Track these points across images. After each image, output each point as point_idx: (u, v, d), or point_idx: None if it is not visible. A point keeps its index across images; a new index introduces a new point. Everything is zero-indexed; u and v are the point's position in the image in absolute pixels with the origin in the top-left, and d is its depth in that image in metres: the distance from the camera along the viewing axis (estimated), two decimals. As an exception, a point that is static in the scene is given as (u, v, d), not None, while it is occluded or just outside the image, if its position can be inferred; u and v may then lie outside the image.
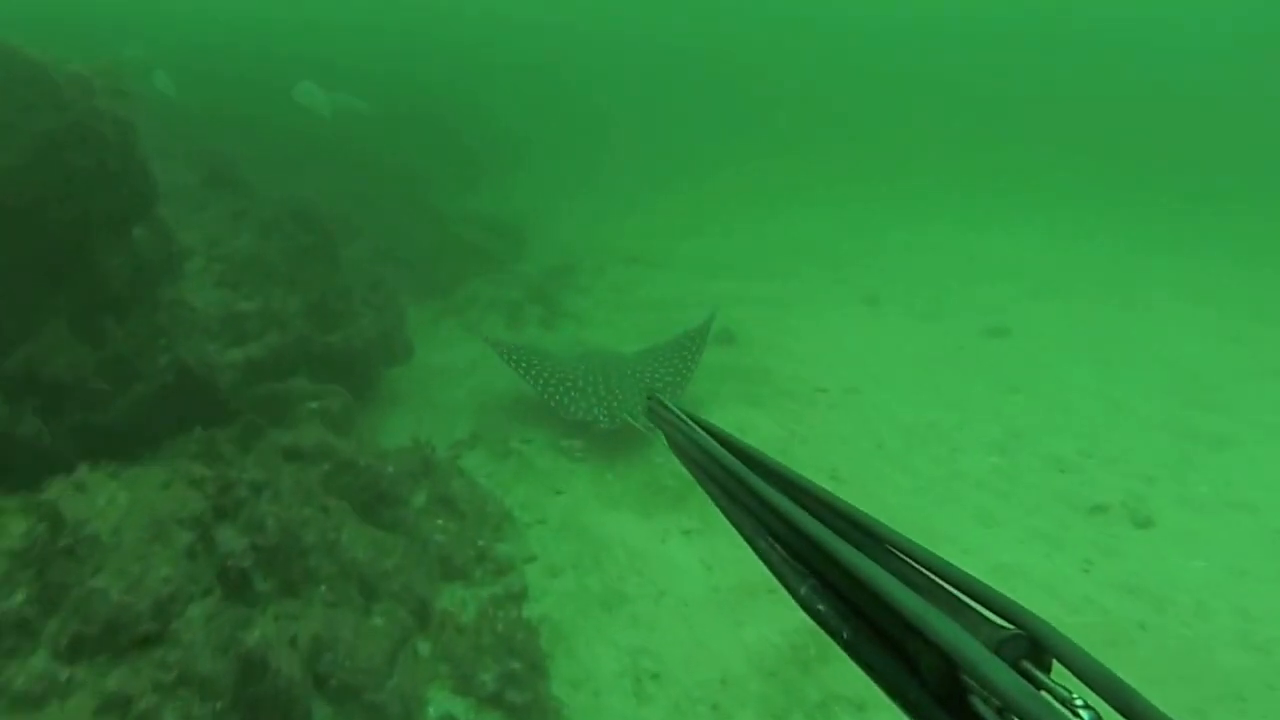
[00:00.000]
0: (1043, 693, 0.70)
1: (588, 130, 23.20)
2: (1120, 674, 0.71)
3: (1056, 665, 0.77)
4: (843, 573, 0.92)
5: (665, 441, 1.51)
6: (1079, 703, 0.69)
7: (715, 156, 21.73)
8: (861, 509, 1.03)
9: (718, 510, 1.20)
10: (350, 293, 7.23)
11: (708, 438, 1.32)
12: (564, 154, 20.97)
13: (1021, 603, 0.81)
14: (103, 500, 3.57)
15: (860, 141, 22.56)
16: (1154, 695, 0.69)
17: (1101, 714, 0.69)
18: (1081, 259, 13.52)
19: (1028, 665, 0.76)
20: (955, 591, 0.88)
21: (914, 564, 0.94)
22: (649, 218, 16.50)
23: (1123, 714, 0.70)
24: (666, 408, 1.56)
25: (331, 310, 7.01)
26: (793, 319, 10.74)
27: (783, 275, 13.00)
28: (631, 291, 11.64)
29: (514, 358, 7.91)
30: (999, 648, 0.77)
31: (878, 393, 8.49)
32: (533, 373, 7.85)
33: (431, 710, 4.31)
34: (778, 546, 1.07)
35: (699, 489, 1.31)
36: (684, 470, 1.41)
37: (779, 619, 5.13)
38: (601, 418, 7.48)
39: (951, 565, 0.90)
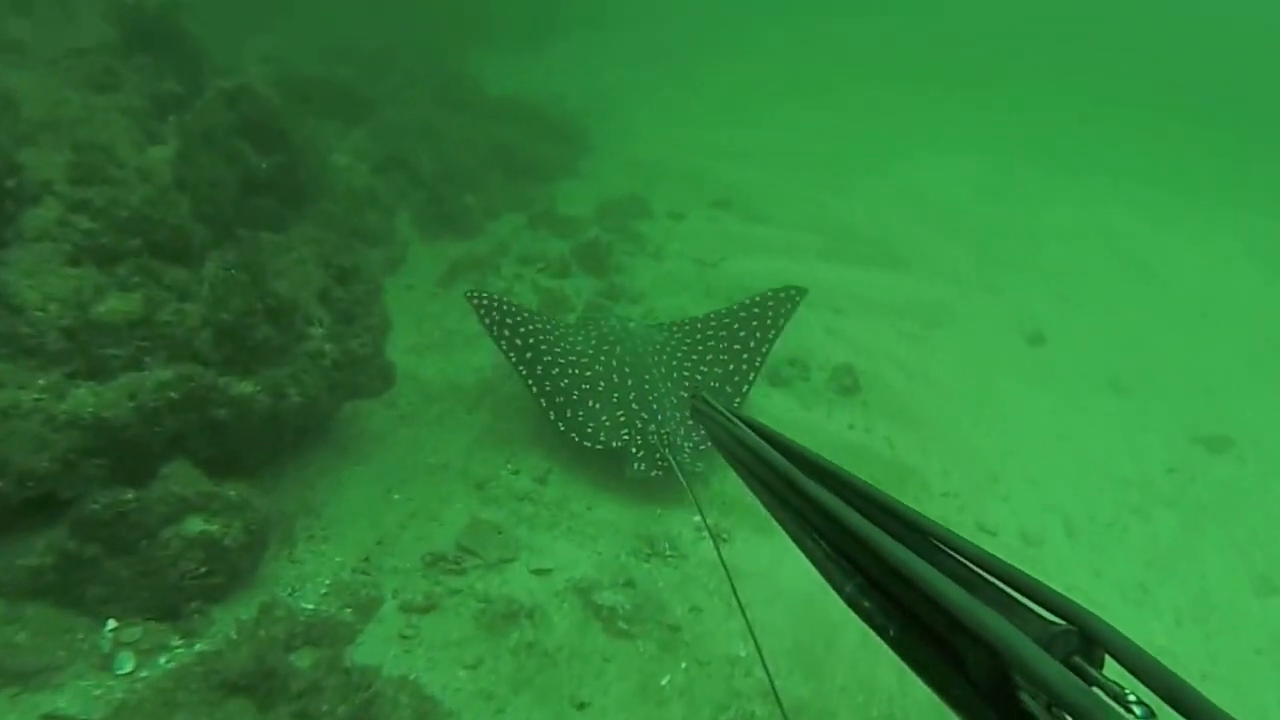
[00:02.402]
0: (1093, 688, 0.70)
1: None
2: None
3: (1111, 662, 0.76)
4: (889, 569, 0.91)
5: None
6: (1132, 698, 0.70)
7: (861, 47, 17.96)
8: (907, 505, 1.01)
9: None
10: (294, 309, 4.45)
11: (753, 435, 1.30)
12: (658, 15, 17.21)
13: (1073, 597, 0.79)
14: None
15: (1027, 70, 18.62)
16: None
17: (1155, 710, 0.69)
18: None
19: (1079, 661, 0.76)
20: (1004, 587, 0.88)
21: (962, 559, 0.94)
22: (748, 129, 13.21)
23: (1179, 710, 0.68)
24: (710, 404, 1.63)
25: (253, 343, 4.25)
26: (934, 358, 7.89)
27: (913, 261, 9.98)
28: (718, 263, 8.70)
29: (501, 329, 5.63)
30: (1049, 643, 0.77)
31: (1070, 550, 5.85)
32: (526, 359, 5.56)
33: None
34: (824, 544, 1.06)
35: None
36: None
37: None
38: (636, 455, 5.18)
39: (1000, 560, 0.90)
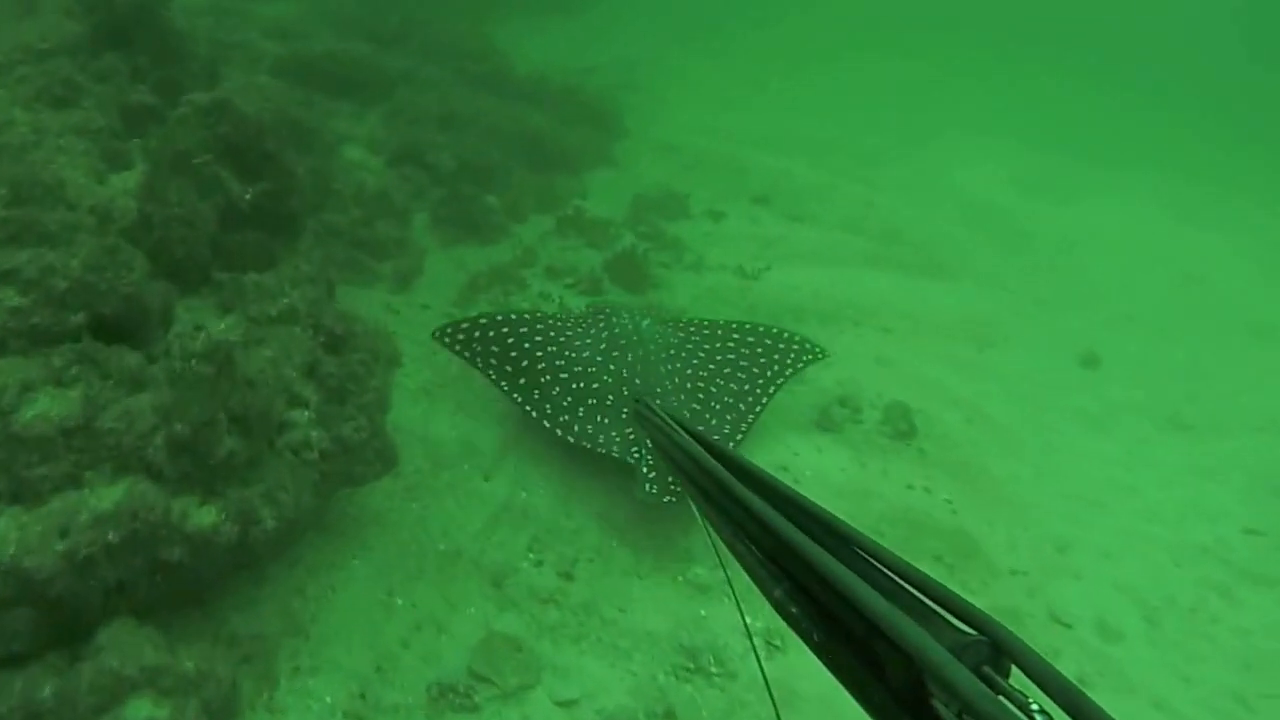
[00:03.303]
0: (1001, 697, 0.69)
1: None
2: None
3: (1016, 671, 0.75)
4: (815, 576, 0.90)
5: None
6: (1035, 707, 0.68)
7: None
8: (834, 514, 1.00)
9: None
10: (267, 415, 3.35)
11: (690, 441, 1.27)
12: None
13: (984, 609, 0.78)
14: None
15: (1057, 52, 16.81)
16: None
17: (1055, 719, 0.67)
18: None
19: (988, 670, 0.75)
20: (921, 596, 0.86)
21: (884, 569, 0.91)
22: (785, 112, 11.78)
23: (1075, 719, 0.69)
24: (651, 408, 1.51)
25: (216, 461, 3.17)
26: (990, 390, 6.74)
27: (958, 268, 8.79)
28: (761, 274, 7.45)
29: (487, 360, 4.85)
30: (961, 652, 0.75)
31: (1152, 648, 4.83)
32: (520, 385, 4.81)
33: None
34: (755, 549, 1.03)
35: None
36: None
37: None
38: (647, 476, 4.44)
39: (918, 570, 0.87)
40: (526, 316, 5.22)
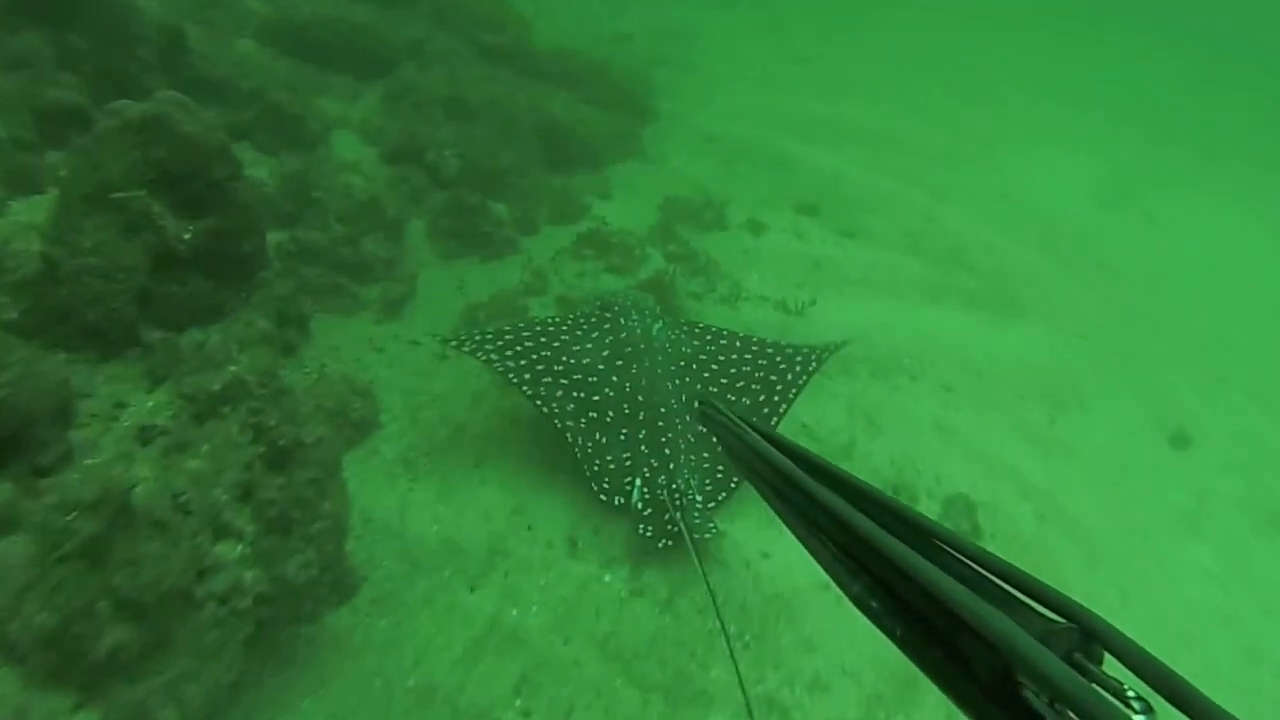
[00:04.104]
0: (1094, 685, 0.66)
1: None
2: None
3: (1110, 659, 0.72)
4: (894, 569, 0.87)
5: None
6: (1131, 694, 0.66)
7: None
8: (910, 505, 0.96)
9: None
10: (175, 582, 2.56)
11: (759, 439, 1.25)
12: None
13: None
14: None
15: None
16: None
17: (1154, 705, 0.64)
18: None
19: (1080, 658, 0.73)
20: (1006, 586, 0.84)
21: (965, 559, 0.89)
22: (841, 98, 10.68)
23: (1176, 705, 0.66)
24: (718, 409, 1.48)
25: (98, 658, 2.41)
26: (1066, 475, 5.89)
27: (1031, 304, 7.89)
28: (805, 309, 6.53)
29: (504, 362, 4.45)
30: (1050, 641, 0.73)
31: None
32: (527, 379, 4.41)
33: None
34: (830, 545, 1.01)
35: None
36: None
37: None
38: (643, 514, 4.17)
39: (1000, 559, 0.85)
40: (532, 322, 4.83)
